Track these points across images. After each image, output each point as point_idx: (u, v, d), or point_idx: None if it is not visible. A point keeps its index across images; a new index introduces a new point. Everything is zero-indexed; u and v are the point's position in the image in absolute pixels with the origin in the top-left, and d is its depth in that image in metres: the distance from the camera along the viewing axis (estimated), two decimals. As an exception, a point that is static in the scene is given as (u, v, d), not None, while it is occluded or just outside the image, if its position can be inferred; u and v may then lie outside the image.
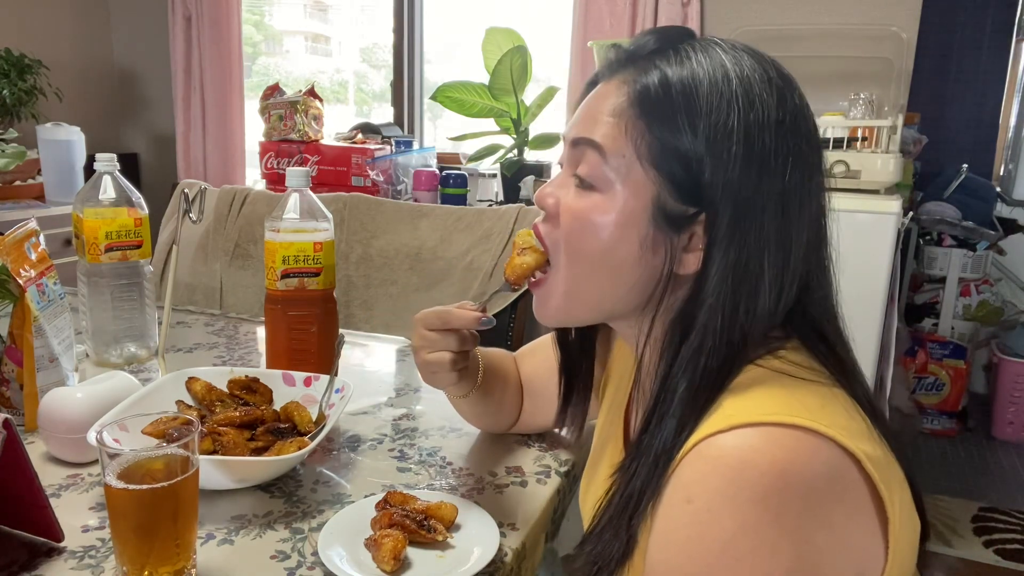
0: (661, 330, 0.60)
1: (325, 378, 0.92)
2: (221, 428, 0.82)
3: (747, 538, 0.47)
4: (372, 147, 2.61)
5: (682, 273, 0.58)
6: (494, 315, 0.78)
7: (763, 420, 0.49)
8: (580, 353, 0.79)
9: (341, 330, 1.05)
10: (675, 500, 0.51)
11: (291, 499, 0.78)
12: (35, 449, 0.85)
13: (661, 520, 0.52)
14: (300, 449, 0.78)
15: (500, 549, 0.69)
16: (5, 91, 2.67)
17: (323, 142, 2.69)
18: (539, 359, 0.90)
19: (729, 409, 0.52)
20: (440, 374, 0.78)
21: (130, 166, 3.43)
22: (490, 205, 2.45)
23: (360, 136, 2.77)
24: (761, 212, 0.55)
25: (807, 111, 0.59)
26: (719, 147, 0.55)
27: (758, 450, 0.48)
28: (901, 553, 0.51)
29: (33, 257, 0.94)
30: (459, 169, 2.61)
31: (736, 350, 0.55)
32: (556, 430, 0.86)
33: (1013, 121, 3.03)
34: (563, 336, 0.78)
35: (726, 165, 0.55)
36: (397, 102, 3.19)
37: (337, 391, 0.90)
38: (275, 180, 2.69)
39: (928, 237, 2.86)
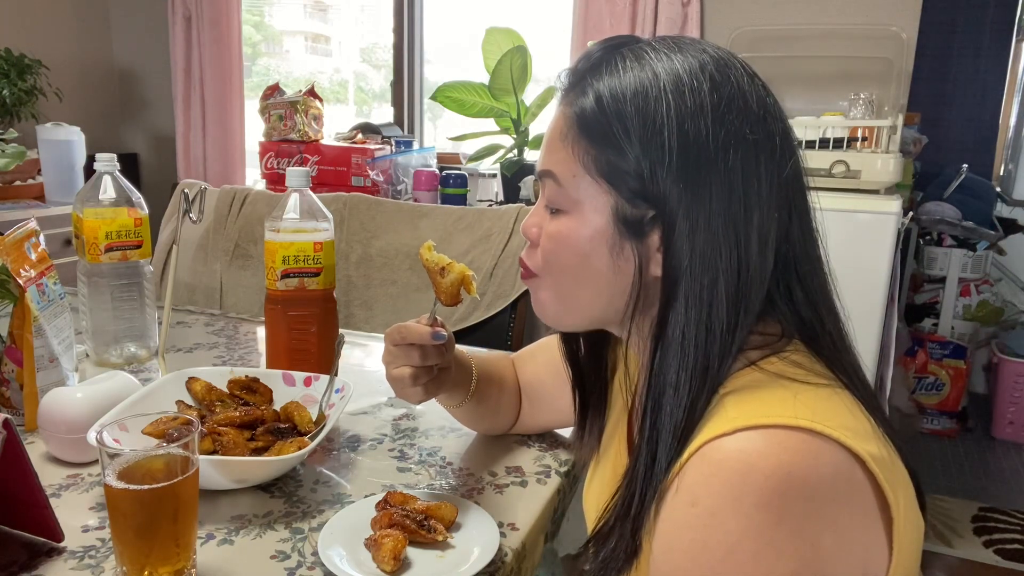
0: (649, 331, 0.60)
1: (325, 378, 0.92)
2: (221, 428, 0.82)
3: (752, 541, 0.47)
4: (372, 147, 2.61)
5: (657, 275, 0.58)
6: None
7: (767, 422, 0.49)
8: (592, 368, 0.78)
9: (341, 330, 1.05)
10: (679, 503, 0.51)
11: (291, 499, 0.78)
12: (35, 449, 0.85)
13: (665, 523, 0.52)
14: (300, 449, 0.78)
15: (500, 549, 0.69)
16: (5, 91, 2.67)
17: (323, 142, 2.69)
18: (539, 363, 0.90)
19: (732, 412, 0.52)
20: (406, 389, 0.78)
21: (130, 166, 3.43)
22: (490, 205, 2.45)
23: (360, 136, 2.77)
24: (708, 199, 0.55)
25: (752, 91, 0.58)
26: (653, 143, 0.56)
27: (762, 453, 0.48)
28: (905, 553, 0.51)
29: (33, 257, 0.94)
30: (459, 169, 2.62)
31: (715, 340, 0.55)
32: (574, 440, 0.85)
33: (1013, 121, 3.03)
34: (573, 354, 0.77)
35: (663, 160, 0.55)
36: (397, 102, 3.19)
37: (337, 391, 0.90)
38: (275, 180, 2.69)
39: (928, 237, 2.86)
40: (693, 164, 0.55)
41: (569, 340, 0.77)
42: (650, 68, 0.58)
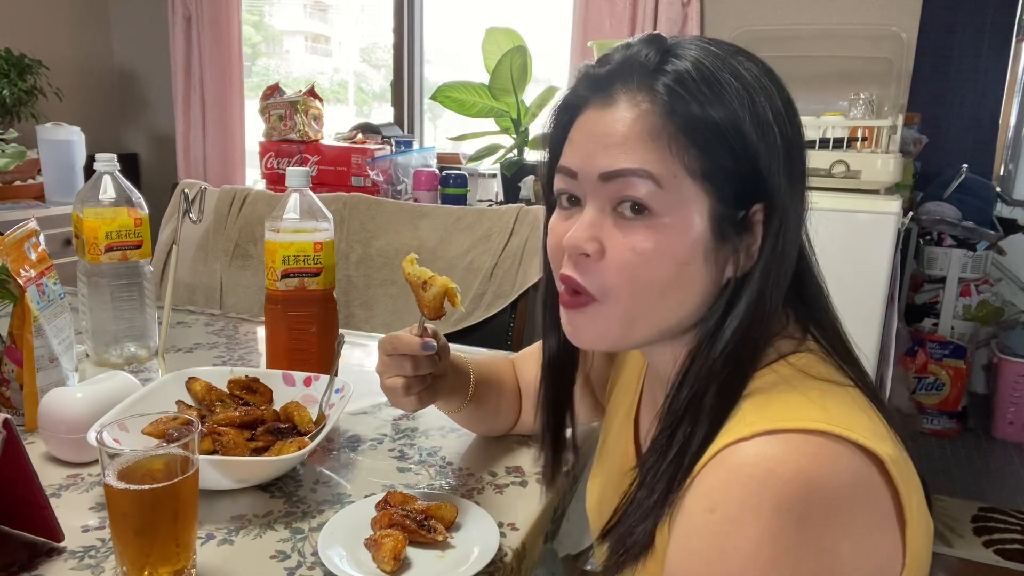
0: (693, 331, 0.60)
1: (325, 378, 0.92)
2: (221, 428, 0.82)
3: (771, 548, 0.46)
4: (372, 147, 2.61)
5: (738, 275, 0.58)
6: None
7: (785, 427, 0.49)
8: (567, 401, 0.77)
9: (341, 330, 1.05)
10: (697, 509, 0.50)
11: (291, 499, 0.78)
12: (35, 449, 0.85)
13: (681, 528, 0.51)
14: (300, 449, 0.78)
15: (500, 549, 0.69)
16: (5, 91, 2.67)
17: (323, 142, 2.69)
18: (539, 363, 0.90)
19: (751, 416, 0.51)
20: (399, 399, 0.77)
21: (130, 166, 3.43)
22: (490, 205, 2.45)
23: (360, 136, 2.77)
24: (798, 197, 0.57)
25: (790, 95, 0.60)
26: (767, 135, 0.55)
27: (781, 459, 0.48)
28: (917, 556, 0.51)
29: (33, 257, 0.94)
30: (459, 169, 2.62)
31: (765, 338, 0.56)
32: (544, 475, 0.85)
33: (1013, 121, 3.03)
34: (557, 387, 0.76)
35: (776, 152, 0.55)
36: (397, 102, 3.19)
37: (337, 391, 0.90)
38: (275, 180, 2.69)
39: (928, 237, 2.86)
40: (789, 160, 0.56)
41: (562, 372, 0.75)
42: (730, 65, 0.56)
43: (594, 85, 0.59)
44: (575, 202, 0.61)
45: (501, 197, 2.56)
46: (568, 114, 0.62)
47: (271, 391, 0.94)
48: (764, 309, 0.56)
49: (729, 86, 0.55)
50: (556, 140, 0.63)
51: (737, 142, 0.55)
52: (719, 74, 0.55)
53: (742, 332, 0.56)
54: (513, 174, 2.49)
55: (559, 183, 0.61)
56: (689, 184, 0.55)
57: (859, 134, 2.08)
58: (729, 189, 0.55)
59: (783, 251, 0.56)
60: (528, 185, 2.45)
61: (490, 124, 2.61)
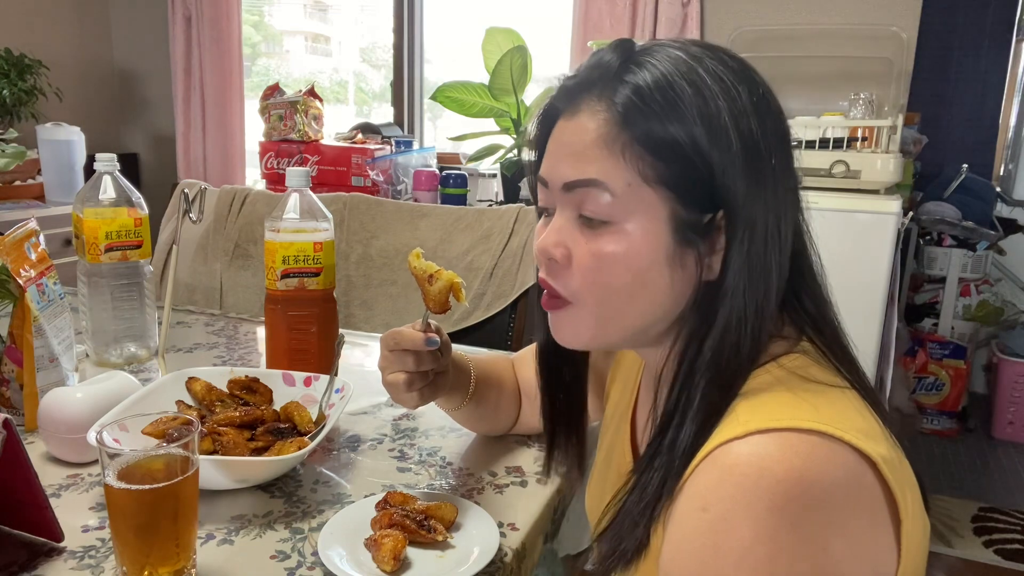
0: (679, 333, 0.60)
1: (325, 378, 0.92)
2: (221, 428, 0.82)
3: (764, 547, 0.46)
4: (372, 147, 2.61)
5: (708, 279, 0.58)
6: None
7: (778, 426, 0.49)
8: (569, 396, 0.77)
9: (341, 330, 1.05)
10: (690, 508, 0.50)
11: (291, 499, 0.78)
12: (35, 449, 0.85)
13: (675, 528, 0.52)
14: (300, 449, 0.78)
15: (500, 549, 0.70)
16: (5, 91, 2.67)
17: (323, 142, 2.69)
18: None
19: (744, 415, 0.51)
20: (401, 394, 0.78)
21: (130, 166, 3.43)
22: (490, 205, 2.45)
23: (360, 136, 2.77)
24: (763, 199, 0.56)
25: (770, 92, 0.59)
26: (721, 142, 0.54)
27: (775, 458, 0.47)
28: (913, 554, 0.51)
29: (33, 257, 0.94)
30: (459, 169, 2.62)
31: (757, 342, 0.56)
32: (544, 476, 0.84)
33: (1013, 121, 3.03)
34: (550, 381, 0.76)
35: (732, 159, 0.55)
36: (397, 102, 3.19)
37: (337, 391, 0.90)
38: (275, 180, 2.69)
39: (928, 237, 2.86)
40: (753, 162, 0.55)
41: (554, 366, 0.75)
42: (686, 66, 0.56)
43: (565, 96, 0.61)
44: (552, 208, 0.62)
45: (501, 197, 2.57)
46: (547, 125, 0.63)
47: (271, 391, 0.94)
48: (743, 313, 0.55)
49: (683, 93, 0.55)
50: (538, 151, 0.64)
51: (691, 149, 0.55)
52: (674, 80, 0.55)
53: (723, 335, 0.55)
54: (513, 174, 2.49)
55: (538, 192, 0.63)
56: (647, 191, 0.56)
57: (859, 134, 2.09)
58: (688, 195, 0.56)
59: (750, 255, 0.55)
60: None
61: (490, 124, 2.60)
